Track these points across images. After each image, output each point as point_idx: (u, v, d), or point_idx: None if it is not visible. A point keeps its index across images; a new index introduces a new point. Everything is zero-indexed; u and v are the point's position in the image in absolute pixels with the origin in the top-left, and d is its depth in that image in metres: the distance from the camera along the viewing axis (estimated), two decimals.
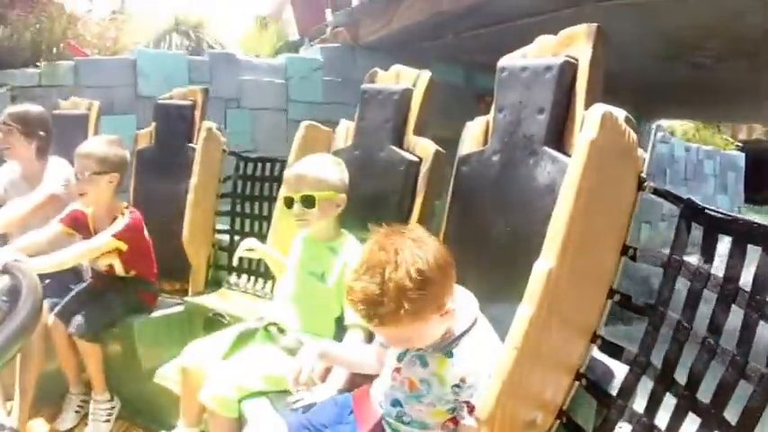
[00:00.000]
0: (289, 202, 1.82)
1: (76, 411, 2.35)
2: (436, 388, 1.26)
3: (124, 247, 2.32)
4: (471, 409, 1.21)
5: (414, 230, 1.22)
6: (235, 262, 2.28)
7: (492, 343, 1.26)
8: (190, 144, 2.70)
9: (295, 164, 1.88)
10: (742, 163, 11.15)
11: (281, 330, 1.80)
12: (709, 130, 11.32)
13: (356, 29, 5.43)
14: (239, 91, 4.85)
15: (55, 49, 4.47)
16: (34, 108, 2.70)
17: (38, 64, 4.23)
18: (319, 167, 1.82)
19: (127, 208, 2.39)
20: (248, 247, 2.00)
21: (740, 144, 11.82)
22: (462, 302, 1.30)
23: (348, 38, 5.47)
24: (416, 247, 1.14)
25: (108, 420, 2.30)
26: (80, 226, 2.37)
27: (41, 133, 2.62)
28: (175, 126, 2.77)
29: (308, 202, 1.78)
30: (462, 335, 1.26)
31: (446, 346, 1.26)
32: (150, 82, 4.38)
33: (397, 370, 1.33)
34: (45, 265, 2.08)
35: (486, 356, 1.21)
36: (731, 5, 3.74)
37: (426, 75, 1.95)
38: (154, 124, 2.88)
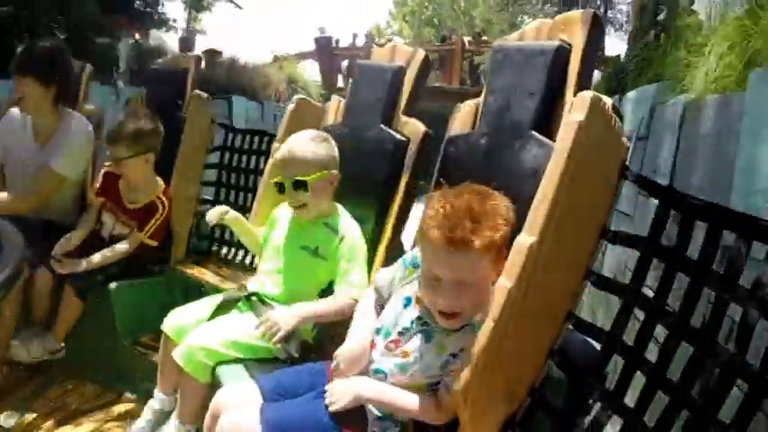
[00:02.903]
0: (280, 187, 1.78)
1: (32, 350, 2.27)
2: (429, 358, 1.26)
3: (155, 243, 2.37)
4: None
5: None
6: (209, 225, 2.09)
7: None
8: (180, 112, 2.67)
9: (283, 146, 1.82)
10: None
11: (263, 301, 1.80)
12: None
13: None
14: None
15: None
16: (54, 45, 2.42)
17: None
18: (308, 147, 1.77)
19: (165, 193, 2.39)
20: (221, 213, 1.91)
21: None
22: None
23: None
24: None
25: (35, 358, 2.25)
26: (109, 191, 2.38)
27: (61, 78, 2.33)
28: (166, 93, 2.74)
29: (301, 186, 1.75)
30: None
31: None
32: None
33: (395, 342, 1.32)
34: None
35: None
36: None
37: (421, 53, 1.95)
38: (144, 89, 2.85)
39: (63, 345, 2.31)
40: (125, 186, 2.37)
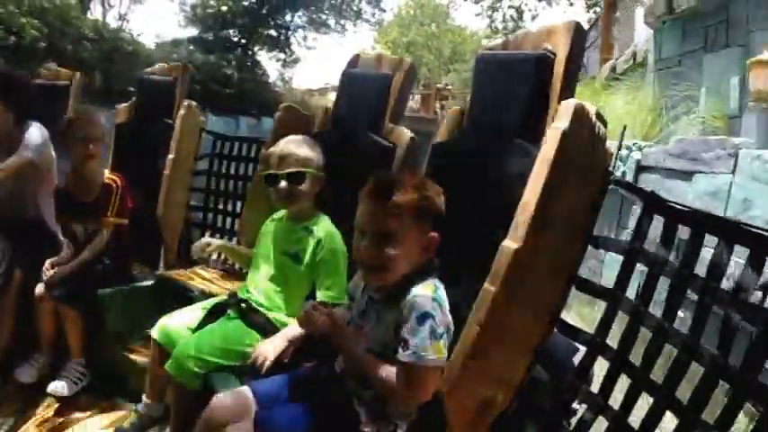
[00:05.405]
0: (272, 180, 1.82)
1: (39, 369, 2.30)
2: (381, 333, 1.31)
3: (125, 221, 2.40)
4: (405, 344, 1.22)
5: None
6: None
7: (439, 294, 1.28)
8: (168, 120, 2.66)
9: (276, 144, 1.87)
10: None
11: (251, 308, 1.81)
12: None
13: None
14: None
15: None
16: (16, 73, 2.55)
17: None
18: (304, 146, 1.84)
19: (110, 176, 2.41)
20: (204, 246, 1.99)
21: None
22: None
23: None
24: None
25: (76, 383, 2.25)
26: (64, 203, 2.39)
27: (21, 100, 2.47)
28: (155, 101, 2.73)
29: (297, 178, 1.79)
30: (412, 285, 1.28)
31: (396, 294, 1.29)
32: None
33: (359, 327, 1.39)
34: None
35: (426, 300, 1.23)
36: None
37: (407, 62, 1.97)
38: (134, 98, 2.85)
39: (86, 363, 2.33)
40: (74, 188, 2.40)
